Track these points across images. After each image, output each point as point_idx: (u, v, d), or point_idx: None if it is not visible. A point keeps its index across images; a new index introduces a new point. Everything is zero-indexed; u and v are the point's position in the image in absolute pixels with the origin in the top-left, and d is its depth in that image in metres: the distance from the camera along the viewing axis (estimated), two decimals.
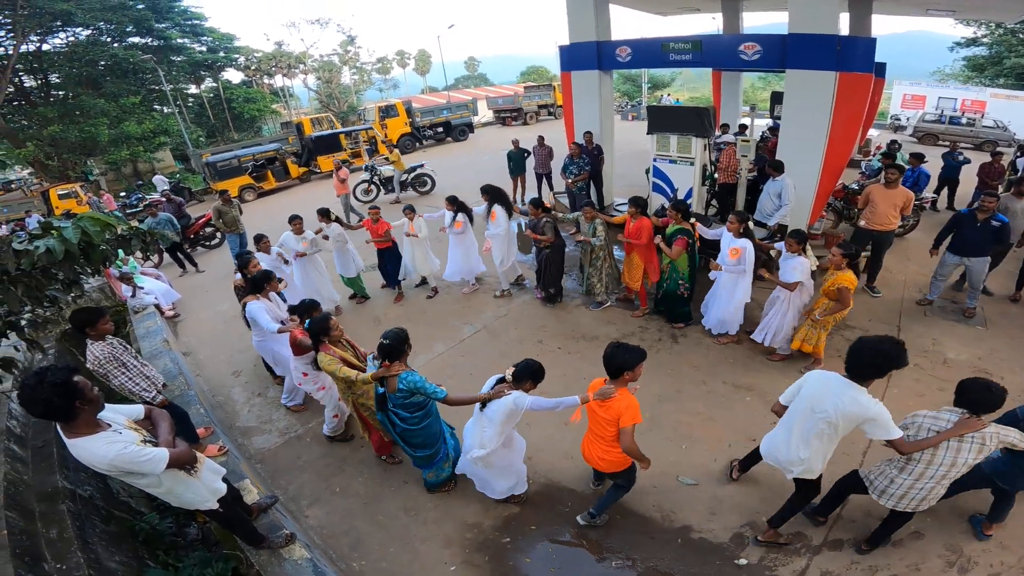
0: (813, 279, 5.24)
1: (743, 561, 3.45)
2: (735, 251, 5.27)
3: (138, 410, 2.80)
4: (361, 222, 7.73)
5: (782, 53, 6.87)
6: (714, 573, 3.42)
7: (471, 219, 7.16)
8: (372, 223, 7.28)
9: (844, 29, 6.85)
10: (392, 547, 3.77)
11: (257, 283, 4.89)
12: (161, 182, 19.38)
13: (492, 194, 6.89)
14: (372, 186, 13.88)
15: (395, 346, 3.48)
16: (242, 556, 3.31)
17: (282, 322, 4.80)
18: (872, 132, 15.05)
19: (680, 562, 3.51)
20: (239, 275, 5.68)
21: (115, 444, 2.37)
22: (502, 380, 3.43)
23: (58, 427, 2.40)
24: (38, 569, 2.95)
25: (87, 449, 2.35)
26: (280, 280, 5.50)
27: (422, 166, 14.25)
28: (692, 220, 5.91)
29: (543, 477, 4.27)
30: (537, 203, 6.57)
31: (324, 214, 7.16)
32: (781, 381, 4.85)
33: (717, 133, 9.41)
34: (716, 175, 8.68)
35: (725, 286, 5.61)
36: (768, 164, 6.80)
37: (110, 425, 2.47)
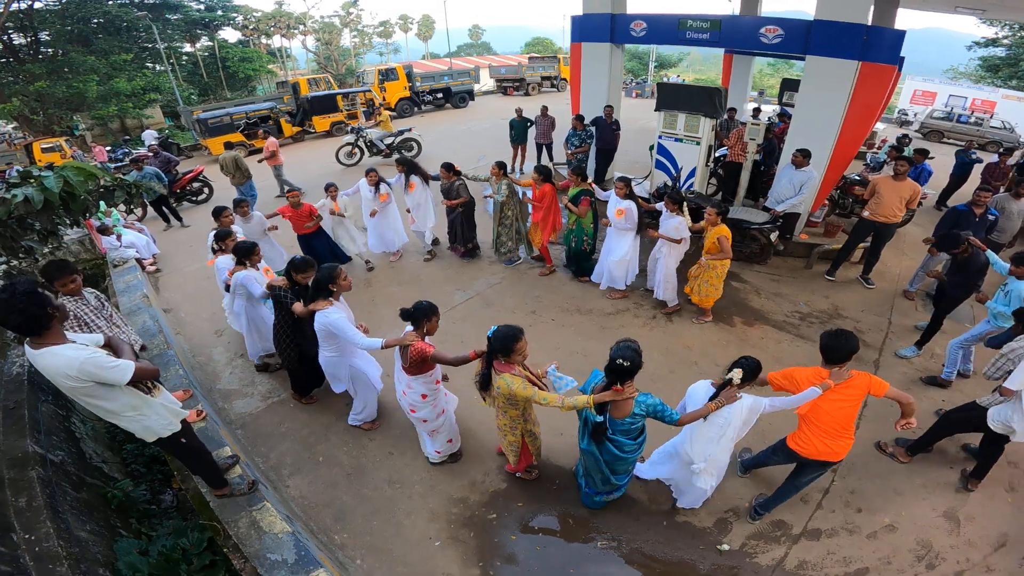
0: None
1: (725, 546, 3.47)
2: (620, 211, 5.80)
3: (98, 338, 2.72)
4: (277, 211, 6.47)
5: (805, 39, 6.74)
6: (697, 557, 3.43)
7: (427, 182, 7.00)
8: (293, 209, 6.27)
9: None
10: (376, 520, 3.66)
11: (321, 285, 3.76)
12: (150, 137, 18.84)
13: (408, 165, 6.86)
14: (356, 149, 13.49)
15: (633, 366, 2.82)
16: (219, 527, 3.18)
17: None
18: (878, 125, 14.89)
19: (665, 545, 3.50)
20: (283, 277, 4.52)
21: (84, 351, 2.38)
22: (727, 384, 3.00)
23: (26, 345, 2.38)
24: (6, 540, 2.82)
25: (58, 355, 2.32)
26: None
27: (410, 130, 13.93)
28: (590, 182, 6.41)
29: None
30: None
31: (237, 205, 6.13)
32: (772, 365, 4.86)
33: (724, 117, 9.26)
34: (726, 151, 8.62)
35: (612, 243, 6.14)
36: (798, 151, 6.66)
37: (74, 341, 2.48)
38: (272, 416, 4.69)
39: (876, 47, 6.21)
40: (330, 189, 6.71)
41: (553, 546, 3.50)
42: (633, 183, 6.22)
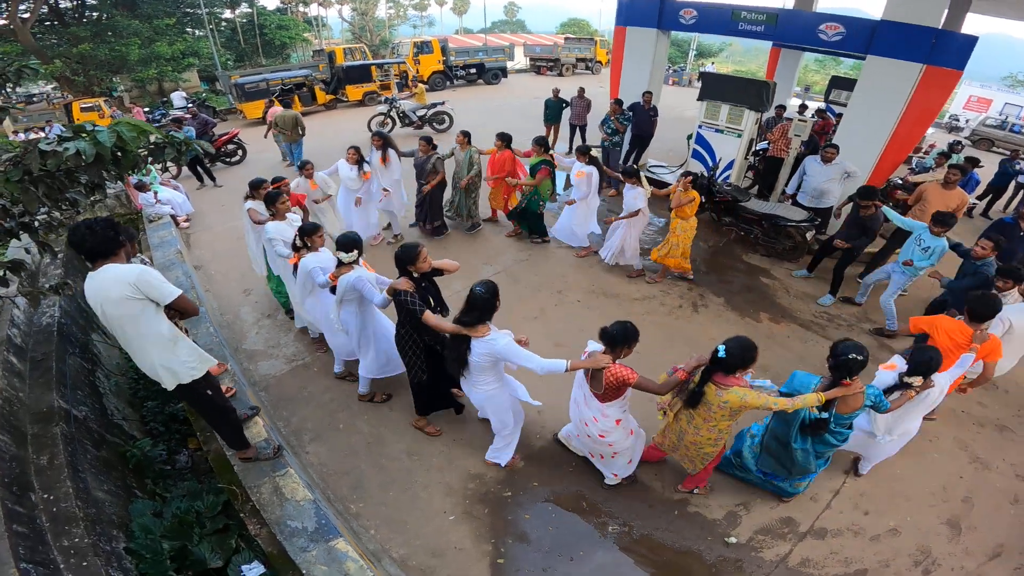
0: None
1: (733, 539, 3.49)
2: (581, 173, 6.32)
3: None
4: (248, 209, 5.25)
5: (868, 38, 6.51)
6: (704, 548, 3.45)
7: (400, 156, 6.78)
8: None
9: None
10: (392, 491, 3.70)
11: (483, 304, 3.15)
12: (179, 98, 19.09)
13: (384, 139, 6.59)
14: (388, 119, 13.50)
15: (865, 361, 2.90)
16: (238, 491, 3.23)
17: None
18: (928, 130, 14.33)
19: (674, 533, 3.52)
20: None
21: (140, 266, 2.71)
22: (907, 387, 3.17)
23: (90, 265, 2.65)
24: (25, 500, 2.85)
25: (119, 269, 2.61)
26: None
27: (443, 103, 13.88)
28: (550, 152, 6.75)
29: (550, 432, 4.18)
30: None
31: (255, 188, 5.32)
32: (796, 363, 4.86)
33: (771, 114, 8.97)
34: (768, 145, 8.41)
35: (577, 207, 6.62)
36: (830, 146, 6.52)
37: None
38: (295, 380, 4.75)
39: (944, 51, 5.98)
40: (306, 167, 6.00)
41: (565, 527, 3.51)
42: (667, 171, 6.28)
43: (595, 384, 3.12)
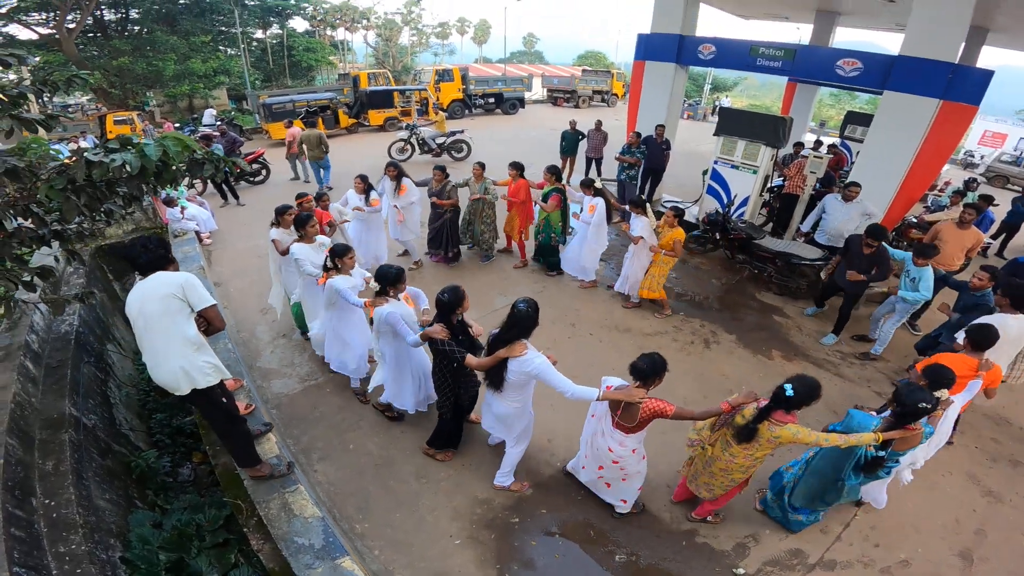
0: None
1: (741, 570, 3.46)
2: (592, 207, 6.43)
3: None
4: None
5: (885, 74, 6.61)
6: None
7: (415, 184, 6.87)
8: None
9: None
10: (399, 513, 3.71)
11: (525, 323, 3.22)
12: (209, 116, 19.72)
13: (398, 168, 6.69)
14: (408, 145, 13.74)
15: (931, 408, 2.97)
16: (243, 506, 3.26)
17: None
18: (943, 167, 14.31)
19: (682, 564, 3.49)
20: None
21: (188, 273, 2.98)
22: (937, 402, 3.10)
23: (137, 275, 2.98)
24: (26, 505, 2.89)
25: (168, 274, 2.92)
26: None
27: (462, 132, 14.14)
28: (563, 183, 6.91)
29: (559, 460, 4.17)
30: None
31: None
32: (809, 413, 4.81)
33: (789, 150, 9.06)
34: (784, 181, 8.47)
35: (584, 240, 6.66)
36: (853, 183, 6.53)
37: None
38: (307, 399, 4.80)
39: (961, 86, 6.05)
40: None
41: (572, 555, 3.49)
42: (681, 206, 6.34)
43: (627, 417, 3.14)
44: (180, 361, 2.88)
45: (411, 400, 4.15)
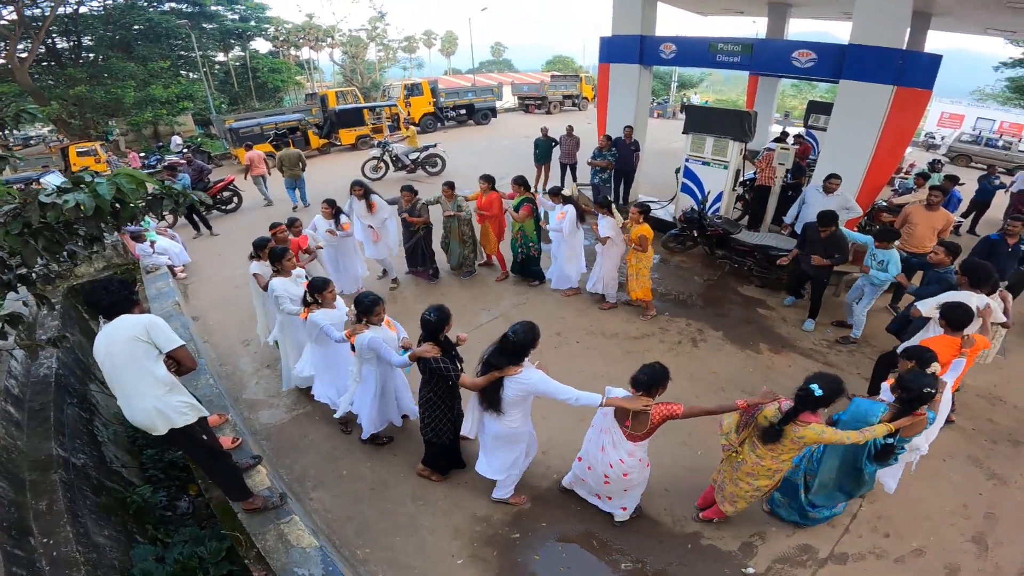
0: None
1: (750, 570, 3.44)
2: (562, 214, 6.47)
3: None
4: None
5: (839, 63, 6.74)
6: None
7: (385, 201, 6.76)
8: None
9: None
10: (398, 536, 3.66)
11: (523, 348, 3.22)
12: (176, 143, 19.44)
13: (364, 187, 6.55)
14: (382, 163, 13.67)
15: (934, 392, 3.03)
16: (242, 537, 3.19)
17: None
18: (906, 150, 14.76)
19: (688, 567, 3.47)
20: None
21: (151, 316, 2.93)
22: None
23: (102, 318, 2.93)
24: (24, 544, 2.86)
25: (131, 318, 2.85)
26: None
27: (435, 146, 14.10)
28: (533, 191, 6.98)
29: (556, 472, 4.14)
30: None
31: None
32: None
33: (771, 145, 9.22)
34: (756, 174, 8.62)
35: (560, 247, 6.73)
36: (833, 176, 6.56)
37: None
38: (297, 428, 4.73)
39: (911, 71, 6.20)
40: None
41: (576, 567, 3.46)
42: (656, 207, 6.43)
43: (637, 426, 3.11)
44: (153, 402, 2.84)
45: (395, 416, 4.28)
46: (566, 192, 6.76)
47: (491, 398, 3.27)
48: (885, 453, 3.18)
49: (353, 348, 3.76)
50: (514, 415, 3.35)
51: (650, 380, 3.03)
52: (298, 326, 4.48)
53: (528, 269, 7.26)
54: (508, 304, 6.86)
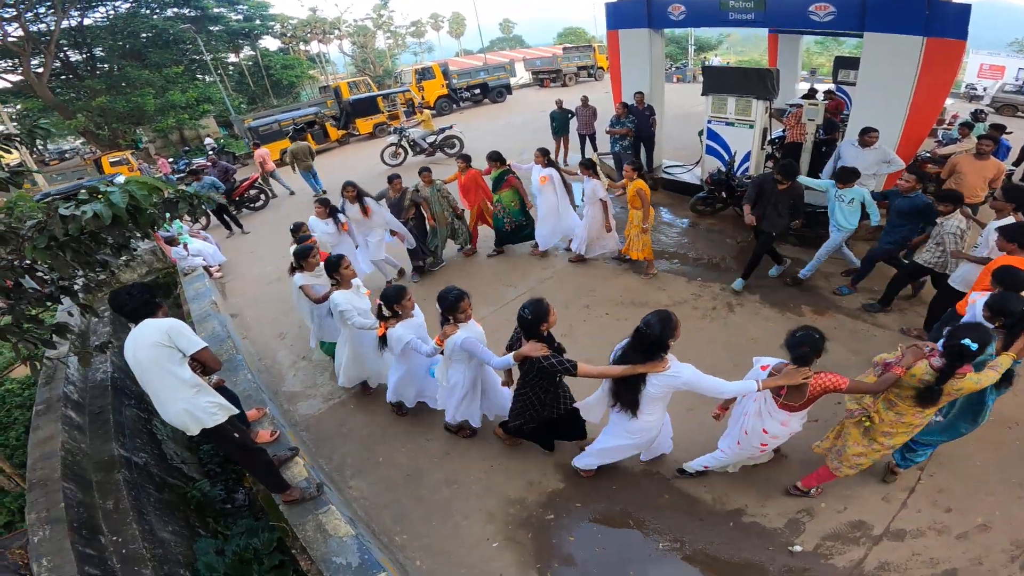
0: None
1: (797, 548, 3.30)
2: (544, 178, 6.48)
3: None
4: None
5: (861, 15, 6.30)
6: (766, 559, 3.27)
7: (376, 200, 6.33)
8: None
9: None
10: (434, 521, 3.72)
11: (661, 341, 2.93)
12: (209, 144, 19.97)
13: (356, 188, 6.06)
14: (400, 149, 13.63)
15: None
16: (288, 528, 3.29)
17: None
18: (947, 101, 13.97)
19: (730, 546, 3.37)
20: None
21: (173, 320, 2.95)
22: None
23: (132, 325, 2.92)
24: (95, 543, 2.97)
25: (154, 322, 2.88)
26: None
27: (451, 127, 14.00)
28: (509, 163, 6.89)
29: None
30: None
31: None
32: (849, 356, 4.68)
33: (798, 101, 8.82)
34: (785, 132, 8.32)
35: (549, 209, 6.76)
36: (869, 129, 6.16)
37: None
38: (334, 417, 4.83)
39: (941, 21, 5.77)
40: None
41: (613, 547, 3.44)
42: (684, 170, 6.27)
43: (795, 396, 2.97)
44: (182, 404, 2.90)
45: (475, 417, 4.02)
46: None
47: (628, 397, 3.05)
48: (1008, 379, 3.04)
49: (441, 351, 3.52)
50: (655, 409, 3.13)
51: (811, 350, 2.86)
52: (367, 339, 4.23)
53: (520, 235, 7.25)
54: (533, 279, 6.81)
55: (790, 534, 3.41)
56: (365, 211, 6.03)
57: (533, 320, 3.13)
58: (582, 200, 6.85)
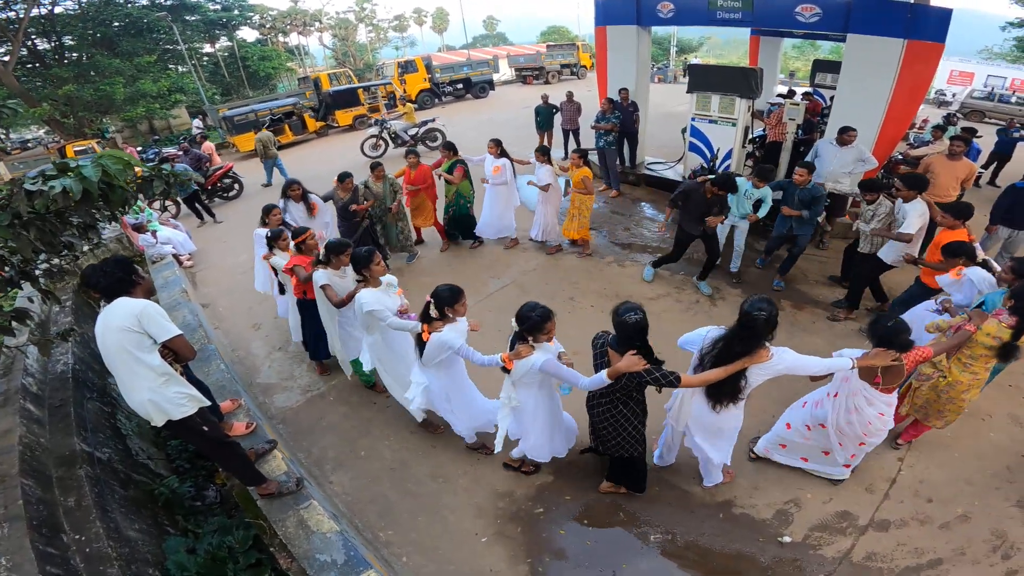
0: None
1: (787, 538, 3.34)
2: (497, 168, 6.65)
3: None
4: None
5: (845, 17, 6.48)
6: (756, 550, 3.30)
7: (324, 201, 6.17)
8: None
9: None
10: (421, 516, 3.60)
11: (759, 333, 2.82)
12: (196, 126, 19.77)
13: (302, 186, 5.92)
14: (381, 141, 13.46)
15: None
16: (265, 525, 3.14)
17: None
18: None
19: (721, 537, 3.39)
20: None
21: (148, 302, 2.73)
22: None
23: (103, 301, 2.74)
24: (56, 541, 2.79)
25: (128, 302, 2.66)
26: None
27: (433, 120, 13.91)
28: (459, 153, 6.93)
29: (577, 444, 4.02)
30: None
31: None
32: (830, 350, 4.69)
33: (778, 100, 8.96)
34: (765, 131, 8.44)
35: (498, 199, 7.02)
36: (848, 128, 6.30)
37: None
38: (312, 410, 4.66)
39: (922, 24, 5.97)
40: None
41: (604, 540, 3.40)
42: (666, 167, 6.31)
43: (891, 378, 2.96)
44: (147, 394, 2.72)
45: (548, 449, 3.55)
46: (491, 146, 6.79)
47: (729, 390, 2.89)
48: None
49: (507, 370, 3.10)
50: (737, 405, 3.03)
51: (890, 332, 2.88)
52: (398, 342, 3.88)
53: (467, 228, 7.32)
54: (517, 271, 6.78)
55: (779, 525, 3.44)
56: (311, 210, 5.93)
57: (635, 331, 2.76)
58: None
